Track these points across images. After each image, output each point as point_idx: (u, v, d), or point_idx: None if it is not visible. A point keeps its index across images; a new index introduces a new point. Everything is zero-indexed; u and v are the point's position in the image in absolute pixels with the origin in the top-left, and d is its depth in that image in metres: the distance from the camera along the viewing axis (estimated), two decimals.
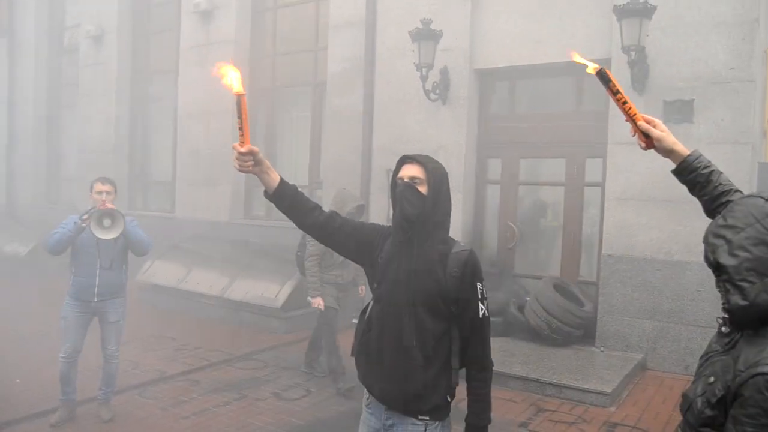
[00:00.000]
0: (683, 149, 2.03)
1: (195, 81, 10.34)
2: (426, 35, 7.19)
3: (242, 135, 2.17)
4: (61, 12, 13.57)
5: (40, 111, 13.76)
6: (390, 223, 2.51)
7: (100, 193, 4.66)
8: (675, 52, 6.25)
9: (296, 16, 9.84)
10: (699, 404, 1.65)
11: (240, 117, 2.13)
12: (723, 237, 1.60)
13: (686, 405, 1.72)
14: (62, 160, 13.77)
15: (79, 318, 4.72)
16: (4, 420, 4.75)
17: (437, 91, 7.62)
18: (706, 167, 2.01)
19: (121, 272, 4.85)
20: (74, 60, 12.86)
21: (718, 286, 1.64)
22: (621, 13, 5.95)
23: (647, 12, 5.89)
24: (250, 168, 2.23)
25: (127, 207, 11.70)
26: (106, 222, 4.51)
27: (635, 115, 2.01)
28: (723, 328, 1.75)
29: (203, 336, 7.46)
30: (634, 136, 2.06)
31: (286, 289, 7.78)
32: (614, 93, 2.00)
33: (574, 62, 2.09)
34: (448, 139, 7.68)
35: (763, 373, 1.48)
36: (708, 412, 1.62)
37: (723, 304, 1.61)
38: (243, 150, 2.18)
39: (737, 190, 1.99)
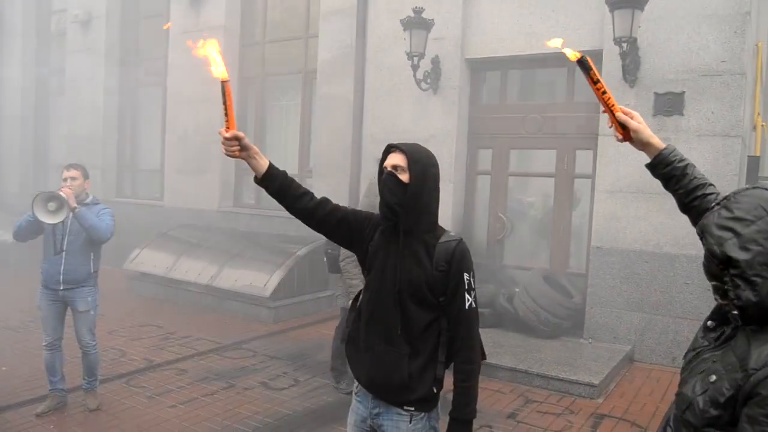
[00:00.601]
0: (659, 142, 2.00)
1: (184, 67, 10.25)
2: (417, 24, 7.14)
3: (227, 120, 2.19)
4: None
5: (27, 97, 13.59)
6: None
7: (65, 179, 4.60)
8: (667, 44, 6.25)
9: (286, 3, 9.75)
10: (701, 404, 1.58)
11: (224, 102, 2.15)
12: (731, 229, 1.52)
13: (684, 404, 1.65)
14: (50, 148, 13.62)
15: (51, 307, 4.67)
16: None
17: (428, 81, 7.58)
18: (681, 160, 1.99)
19: (87, 261, 4.70)
20: (62, 45, 12.70)
21: (721, 281, 1.56)
22: (613, 4, 5.93)
23: (639, 3, 5.87)
24: (237, 153, 2.24)
25: (116, 195, 11.63)
26: (51, 206, 4.39)
27: (613, 105, 2.00)
28: (709, 323, 1.72)
29: (191, 325, 7.42)
30: (611, 127, 2.04)
31: (275, 279, 7.75)
32: (594, 82, 1.98)
33: (553, 47, 2.06)
34: (439, 128, 7.65)
35: None
36: (713, 411, 1.55)
37: (732, 299, 1.53)
38: (228, 135, 2.20)
39: (711, 184, 1.98)
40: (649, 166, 2.04)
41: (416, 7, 7.15)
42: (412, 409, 2.32)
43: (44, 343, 4.69)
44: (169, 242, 9.29)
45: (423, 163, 2.33)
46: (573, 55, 1.98)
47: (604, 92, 1.98)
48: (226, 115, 2.18)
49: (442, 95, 7.66)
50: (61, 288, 4.61)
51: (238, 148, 2.23)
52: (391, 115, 8.06)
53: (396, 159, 2.32)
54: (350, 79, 8.40)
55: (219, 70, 2.13)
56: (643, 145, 2.01)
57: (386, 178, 2.32)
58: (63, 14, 12.81)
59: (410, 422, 2.32)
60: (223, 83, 2.12)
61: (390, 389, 2.33)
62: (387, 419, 2.36)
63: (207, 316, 7.88)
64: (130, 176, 11.91)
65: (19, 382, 5.29)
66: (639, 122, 2.00)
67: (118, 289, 9.18)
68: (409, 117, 7.90)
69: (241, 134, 2.22)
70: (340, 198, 8.18)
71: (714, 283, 1.59)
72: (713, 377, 1.57)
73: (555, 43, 2.03)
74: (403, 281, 2.30)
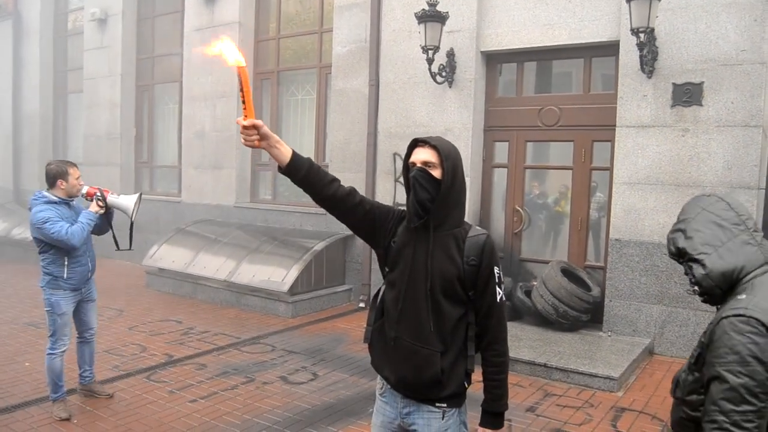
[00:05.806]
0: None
1: (199, 64, 10.30)
2: (432, 17, 7.10)
3: (245, 108, 2.07)
4: None
5: (46, 95, 13.75)
6: (397, 206, 2.46)
7: (78, 178, 4.65)
8: (685, 34, 6.16)
9: None
10: (683, 376, 1.86)
11: (241, 89, 2.05)
12: (679, 230, 1.91)
13: (674, 385, 1.92)
14: (68, 145, 13.79)
15: (71, 310, 4.69)
16: (13, 403, 4.81)
17: (443, 74, 7.55)
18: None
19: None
20: (79, 43, 12.82)
21: (686, 272, 1.88)
22: None
23: None
24: (257, 143, 2.14)
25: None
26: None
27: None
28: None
29: (210, 320, 7.49)
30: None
31: (293, 273, 7.78)
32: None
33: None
34: (455, 122, 7.62)
35: (727, 316, 1.68)
36: (690, 378, 1.82)
37: (691, 281, 1.85)
38: (246, 123, 2.10)
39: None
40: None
41: (431, 0, 7.12)
42: (444, 405, 2.30)
43: (63, 350, 4.63)
44: (187, 238, 9.36)
45: (453, 157, 2.27)
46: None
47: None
48: (244, 102, 2.07)
49: (457, 88, 7.62)
50: (86, 283, 4.72)
51: (257, 138, 2.13)
52: (406, 109, 8.04)
53: (426, 154, 2.26)
54: (365, 73, 8.40)
55: (233, 56, 2.05)
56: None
57: (418, 175, 2.25)
58: (80, 13, 12.94)
59: (443, 419, 2.30)
60: (239, 68, 2.04)
61: (422, 387, 2.29)
62: (418, 417, 2.32)
63: (226, 312, 7.95)
64: (148, 172, 12.01)
65: (41, 377, 5.35)
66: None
67: (137, 285, 9.28)
68: (424, 111, 7.88)
69: (259, 122, 2.12)
70: None
71: (686, 274, 1.90)
72: (691, 354, 1.87)
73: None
74: (436, 277, 2.25)
